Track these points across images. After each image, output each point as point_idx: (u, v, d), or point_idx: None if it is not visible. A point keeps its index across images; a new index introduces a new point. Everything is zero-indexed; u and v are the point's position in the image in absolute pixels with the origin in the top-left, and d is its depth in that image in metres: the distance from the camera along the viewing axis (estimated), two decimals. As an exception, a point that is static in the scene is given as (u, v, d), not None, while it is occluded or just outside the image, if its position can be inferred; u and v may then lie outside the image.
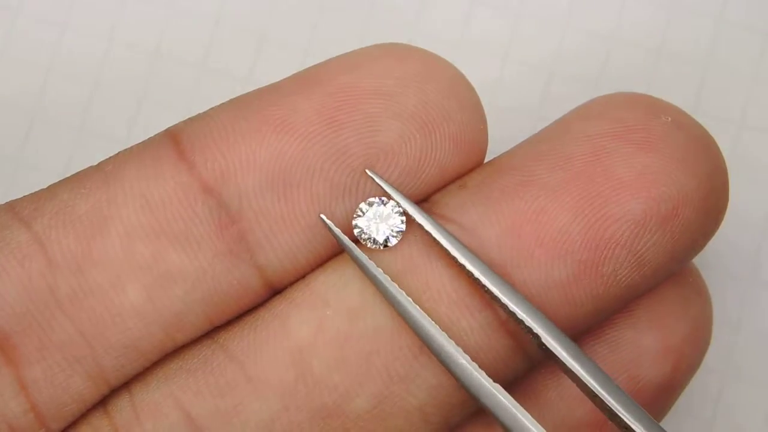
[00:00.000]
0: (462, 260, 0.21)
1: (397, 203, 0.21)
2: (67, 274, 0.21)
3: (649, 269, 0.21)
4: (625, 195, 0.21)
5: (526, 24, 0.29)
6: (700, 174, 0.21)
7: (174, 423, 0.21)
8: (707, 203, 0.21)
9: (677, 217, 0.21)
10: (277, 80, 0.22)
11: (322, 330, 0.21)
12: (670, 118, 0.22)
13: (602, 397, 0.20)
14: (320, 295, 0.21)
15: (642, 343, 0.23)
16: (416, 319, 0.21)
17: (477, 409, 0.22)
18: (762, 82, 0.29)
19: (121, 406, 0.22)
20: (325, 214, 0.21)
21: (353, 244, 0.21)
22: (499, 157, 0.22)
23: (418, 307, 0.21)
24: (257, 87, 0.22)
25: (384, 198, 0.21)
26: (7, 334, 0.21)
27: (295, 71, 0.22)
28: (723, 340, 0.28)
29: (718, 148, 0.22)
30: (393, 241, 0.21)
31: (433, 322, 0.21)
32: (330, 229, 0.21)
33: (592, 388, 0.20)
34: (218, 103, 0.22)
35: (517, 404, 0.20)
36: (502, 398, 0.20)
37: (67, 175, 0.22)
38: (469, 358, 0.21)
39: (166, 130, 0.22)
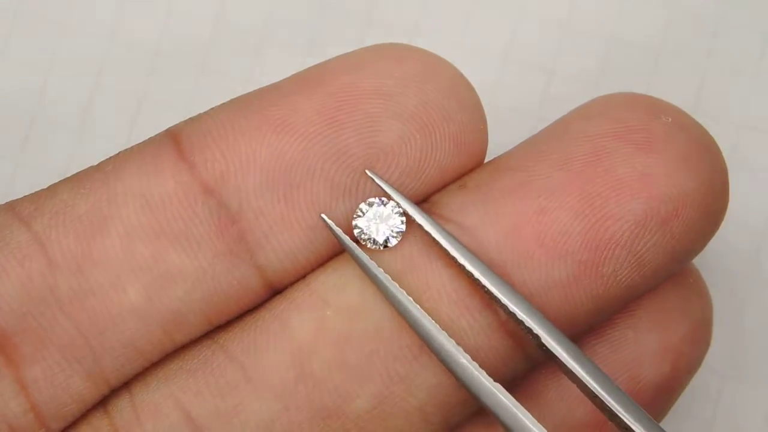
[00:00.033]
0: (462, 260, 0.21)
1: (397, 204, 0.21)
2: (67, 274, 0.21)
3: (650, 270, 0.21)
4: (625, 195, 0.21)
5: (526, 24, 0.29)
6: (700, 174, 0.21)
7: (174, 423, 0.21)
8: (707, 203, 0.21)
9: (677, 217, 0.21)
10: (277, 80, 0.22)
11: (322, 330, 0.21)
12: (670, 119, 0.22)
13: (602, 398, 0.20)
14: (320, 296, 0.21)
15: (642, 343, 0.23)
16: (417, 319, 0.21)
17: (477, 410, 0.22)
18: (762, 82, 0.29)
19: (121, 407, 0.22)
20: (325, 214, 0.21)
21: (354, 244, 0.21)
22: (499, 157, 0.22)
23: (418, 306, 0.21)
24: (257, 87, 0.22)
25: (384, 198, 0.21)
26: (7, 334, 0.21)
27: (295, 71, 0.22)
28: (723, 340, 0.28)
29: (718, 149, 0.22)
30: (393, 242, 0.21)
31: (433, 322, 0.21)
32: (331, 228, 0.21)
33: (591, 388, 0.20)
34: (218, 103, 0.22)
35: (518, 404, 0.20)
36: (502, 398, 0.20)
37: (67, 175, 0.22)
38: (469, 357, 0.21)
39: (167, 130, 0.22)
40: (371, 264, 0.21)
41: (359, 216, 0.21)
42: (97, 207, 0.21)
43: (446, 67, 0.22)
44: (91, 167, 0.22)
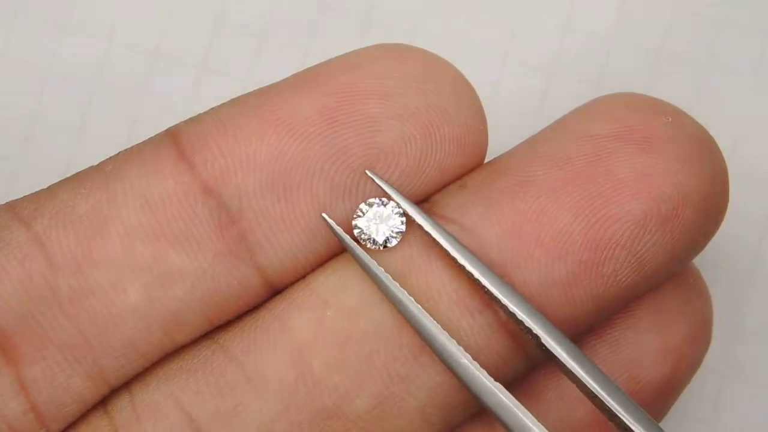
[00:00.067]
0: (462, 261, 0.21)
1: (397, 204, 0.21)
2: (67, 274, 0.21)
3: (650, 269, 0.21)
4: (625, 195, 0.21)
5: (526, 24, 0.29)
6: (700, 174, 0.21)
7: (174, 423, 0.21)
8: (707, 203, 0.21)
9: (677, 217, 0.21)
10: (277, 80, 0.22)
11: (322, 330, 0.21)
12: (670, 119, 0.22)
13: (602, 398, 0.20)
14: (320, 296, 0.21)
15: (642, 343, 0.23)
16: (418, 319, 0.21)
17: (477, 410, 0.22)
18: (762, 82, 0.29)
19: (121, 407, 0.22)
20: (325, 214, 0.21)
21: (355, 243, 0.21)
22: (499, 157, 0.22)
23: (419, 306, 0.21)
24: (257, 87, 0.22)
25: (384, 199, 0.21)
26: (7, 334, 0.21)
27: (295, 71, 0.22)
28: (723, 340, 0.28)
29: (718, 149, 0.22)
30: (393, 242, 0.21)
31: (434, 322, 0.21)
32: (332, 228, 0.21)
33: (591, 388, 0.20)
34: (218, 103, 0.22)
35: (519, 404, 0.20)
36: (503, 398, 0.20)
37: (67, 175, 0.22)
38: (470, 357, 0.21)
39: (167, 130, 0.22)
40: (372, 263, 0.21)
41: (359, 216, 0.21)
42: (97, 207, 0.21)
43: (446, 67, 0.22)
44: (91, 167, 0.22)
